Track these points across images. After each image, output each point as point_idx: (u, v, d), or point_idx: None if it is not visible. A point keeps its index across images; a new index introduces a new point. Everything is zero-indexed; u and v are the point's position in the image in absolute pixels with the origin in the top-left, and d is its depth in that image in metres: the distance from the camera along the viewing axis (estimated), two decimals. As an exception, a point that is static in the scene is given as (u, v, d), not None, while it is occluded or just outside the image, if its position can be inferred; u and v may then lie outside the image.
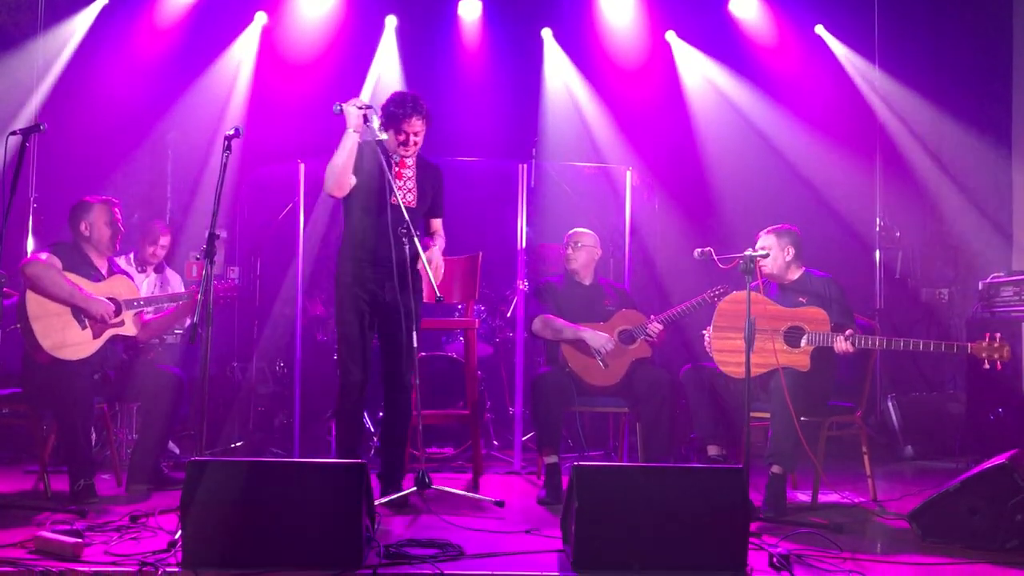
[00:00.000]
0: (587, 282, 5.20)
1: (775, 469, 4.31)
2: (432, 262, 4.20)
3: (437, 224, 4.56)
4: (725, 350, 4.54)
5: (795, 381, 4.33)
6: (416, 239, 4.11)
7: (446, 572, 3.13)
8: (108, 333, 4.53)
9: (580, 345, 4.89)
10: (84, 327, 4.46)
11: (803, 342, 4.46)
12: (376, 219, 4.22)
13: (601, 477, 3.31)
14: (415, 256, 4.18)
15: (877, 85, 6.96)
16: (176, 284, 5.70)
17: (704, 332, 4.69)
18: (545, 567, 3.27)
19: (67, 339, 4.41)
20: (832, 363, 4.55)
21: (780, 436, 4.29)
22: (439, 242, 4.47)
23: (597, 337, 4.88)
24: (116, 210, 4.69)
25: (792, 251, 4.70)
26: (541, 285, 5.23)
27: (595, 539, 3.20)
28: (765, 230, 4.77)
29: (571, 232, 5.26)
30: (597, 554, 3.19)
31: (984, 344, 4.14)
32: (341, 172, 4.19)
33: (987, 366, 4.17)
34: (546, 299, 5.11)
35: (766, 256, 4.54)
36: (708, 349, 4.64)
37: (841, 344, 4.37)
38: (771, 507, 4.22)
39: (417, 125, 4.30)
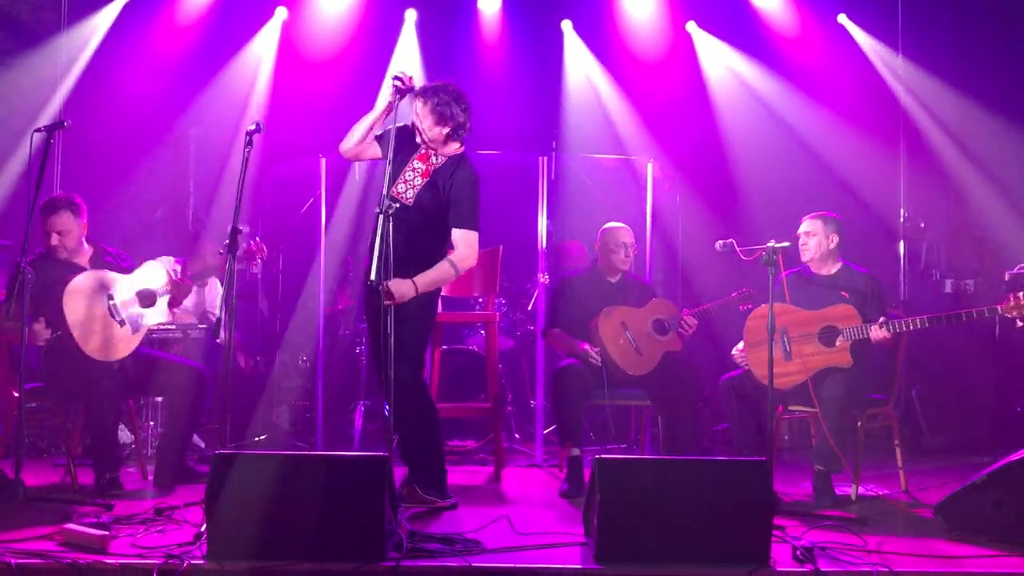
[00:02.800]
0: (615, 279, 5.10)
1: (819, 467, 4.33)
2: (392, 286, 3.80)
3: (455, 237, 4.04)
4: (762, 363, 4.45)
5: (842, 384, 4.34)
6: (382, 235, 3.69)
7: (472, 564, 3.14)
8: (146, 324, 4.57)
9: (617, 329, 4.85)
10: (122, 323, 4.50)
11: (839, 340, 4.43)
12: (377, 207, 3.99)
13: (623, 470, 3.30)
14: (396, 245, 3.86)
15: (901, 73, 6.87)
16: (214, 293, 5.79)
17: (735, 350, 4.65)
18: (568, 559, 3.27)
19: (112, 338, 4.45)
20: (868, 356, 4.52)
21: (824, 440, 4.29)
22: (448, 267, 3.99)
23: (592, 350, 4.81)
24: (56, 217, 4.45)
25: (836, 239, 4.66)
26: (562, 283, 5.16)
27: (617, 531, 3.19)
28: (811, 215, 4.70)
29: (618, 228, 5.06)
30: (619, 546, 3.19)
31: (1011, 304, 4.13)
32: (357, 130, 4.08)
33: (1020, 324, 4.18)
34: (562, 301, 5.06)
35: (788, 247, 4.47)
36: (742, 364, 4.59)
37: (877, 332, 4.34)
38: (820, 500, 4.27)
39: (418, 107, 4.01)
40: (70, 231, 4.49)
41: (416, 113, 4.05)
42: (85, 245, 4.63)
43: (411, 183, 4.08)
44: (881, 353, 4.54)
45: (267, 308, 6.85)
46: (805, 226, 4.68)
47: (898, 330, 4.35)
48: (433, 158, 4.12)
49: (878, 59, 6.96)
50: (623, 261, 5.03)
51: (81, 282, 4.44)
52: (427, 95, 4.02)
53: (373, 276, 3.63)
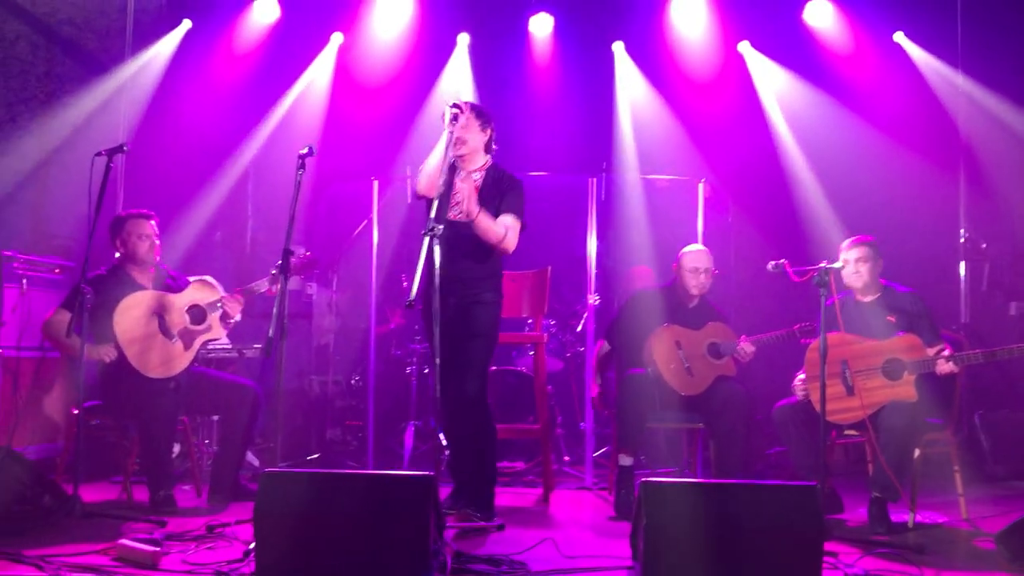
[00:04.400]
0: (692, 304, 5.03)
1: (876, 494, 4.23)
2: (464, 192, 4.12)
3: (503, 217, 4.21)
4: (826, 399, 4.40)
5: (904, 413, 4.23)
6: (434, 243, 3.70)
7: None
8: (199, 340, 4.66)
9: (671, 347, 4.83)
10: (174, 339, 4.59)
11: (905, 374, 4.33)
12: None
13: (669, 494, 3.26)
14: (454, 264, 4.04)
15: (960, 90, 6.73)
16: None
17: (797, 383, 4.57)
18: (613, 583, 3.25)
19: (166, 355, 4.54)
20: (926, 382, 4.41)
21: (882, 467, 4.19)
22: (502, 228, 4.13)
23: None
24: (151, 223, 4.74)
25: (881, 262, 4.59)
26: (635, 296, 5.17)
27: (664, 556, 3.14)
28: (847, 242, 4.64)
29: (692, 252, 5.03)
30: (666, 571, 3.14)
31: None
32: (429, 167, 4.15)
33: None
34: (629, 315, 5.04)
35: (842, 268, 4.45)
36: (803, 396, 4.50)
37: (944, 367, 4.24)
38: (874, 527, 4.17)
39: (462, 120, 4.11)
40: (154, 236, 4.72)
41: (460, 127, 4.11)
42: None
43: (463, 205, 4.16)
44: (939, 376, 4.43)
45: (323, 327, 6.93)
46: (855, 252, 4.56)
47: (964, 363, 4.25)
48: (474, 175, 4.27)
49: (936, 76, 6.82)
50: (695, 286, 4.97)
51: (131, 302, 4.54)
52: (468, 107, 4.22)
53: (412, 296, 3.57)
